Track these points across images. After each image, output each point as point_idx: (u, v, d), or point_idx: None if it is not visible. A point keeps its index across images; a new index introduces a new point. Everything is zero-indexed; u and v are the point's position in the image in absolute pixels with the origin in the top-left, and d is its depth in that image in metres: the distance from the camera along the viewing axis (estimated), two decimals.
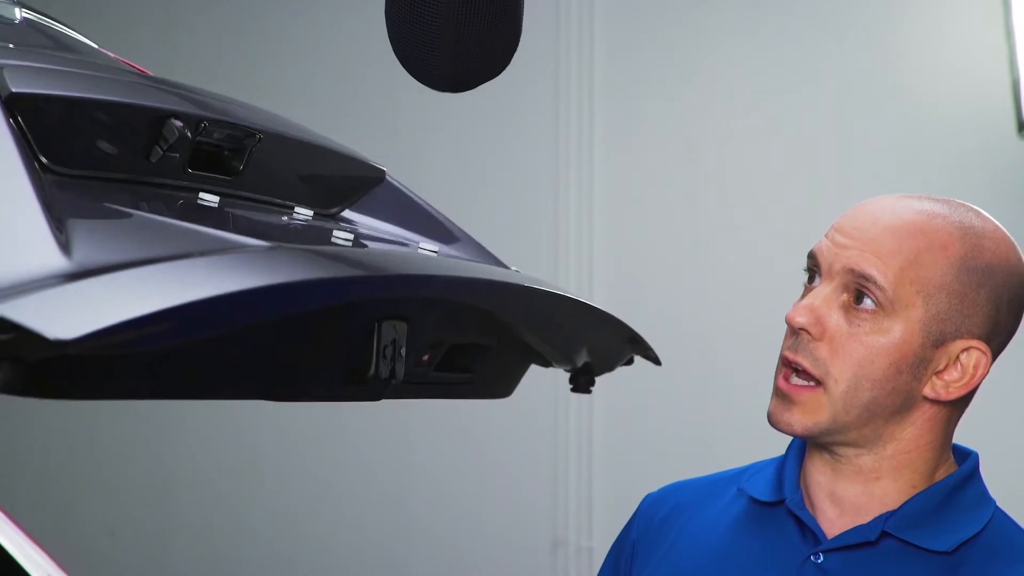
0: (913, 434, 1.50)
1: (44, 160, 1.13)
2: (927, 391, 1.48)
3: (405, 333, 1.34)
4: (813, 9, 3.48)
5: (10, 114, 1.07)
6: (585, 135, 3.66)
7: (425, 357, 1.49)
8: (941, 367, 1.47)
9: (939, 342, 1.47)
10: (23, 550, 1.85)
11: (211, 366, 1.15)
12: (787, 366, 1.48)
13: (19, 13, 1.43)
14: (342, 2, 3.90)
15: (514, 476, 3.69)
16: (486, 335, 1.57)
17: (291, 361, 1.24)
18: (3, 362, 0.86)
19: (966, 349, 1.48)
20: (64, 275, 0.91)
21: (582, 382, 1.79)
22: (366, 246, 1.38)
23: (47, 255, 0.93)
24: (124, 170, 1.23)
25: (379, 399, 1.44)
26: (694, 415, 3.58)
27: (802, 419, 1.47)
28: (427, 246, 1.45)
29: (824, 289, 1.47)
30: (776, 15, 3.50)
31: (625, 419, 3.63)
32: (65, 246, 0.95)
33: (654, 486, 1.76)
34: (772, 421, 1.49)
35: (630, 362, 1.85)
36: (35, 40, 1.40)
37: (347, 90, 3.67)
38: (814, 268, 1.50)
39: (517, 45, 1.39)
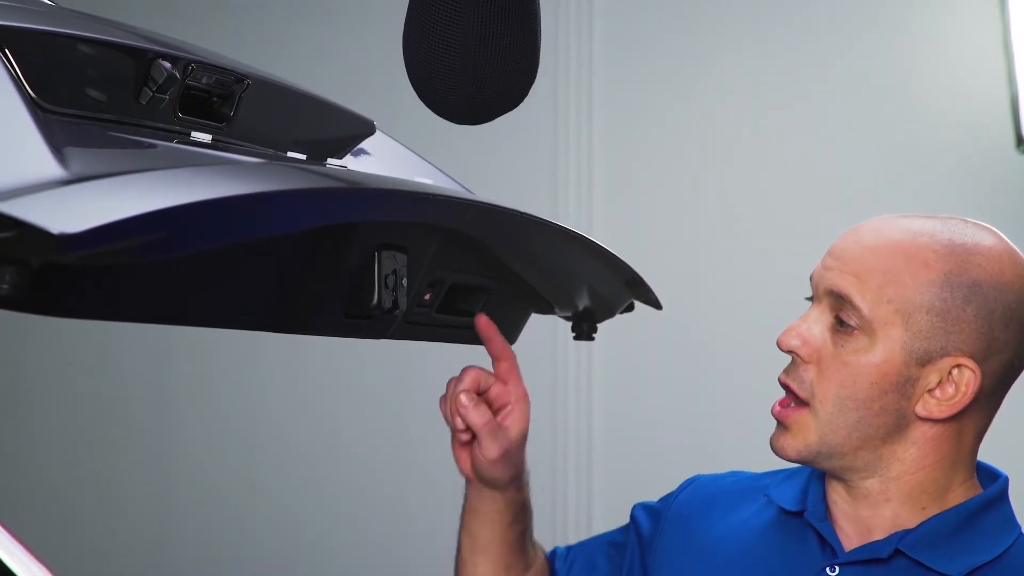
0: (916, 455, 1.48)
1: (34, 96, 1.11)
2: (919, 410, 1.45)
3: (405, 264, 1.33)
4: (814, 19, 3.46)
5: None
6: (584, 138, 3.65)
7: (427, 296, 1.48)
8: (933, 385, 1.44)
9: (924, 360, 1.44)
10: (18, 559, 1.83)
11: (212, 291, 1.14)
12: (782, 388, 1.49)
13: None
14: (345, 11, 3.91)
15: None
16: (486, 275, 1.56)
17: (292, 290, 1.23)
18: (8, 265, 0.84)
19: (956, 366, 1.44)
20: (64, 181, 0.90)
21: (584, 329, 1.78)
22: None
23: (45, 165, 0.92)
24: (114, 112, 1.22)
25: (383, 336, 1.43)
26: (695, 420, 3.57)
27: (793, 443, 1.48)
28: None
29: (813, 312, 1.48)
30: (777, 24, 3.48)
31: (624, 425, 3.62)
32: (63, 160, 0.94)
33: (653, 491, 1.75)
34: (772, 448, 1.51)
35: (631, 308, 1.84)
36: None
37: (345, 89, 3.67)
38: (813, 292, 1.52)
39: (534, 78, 1.39)
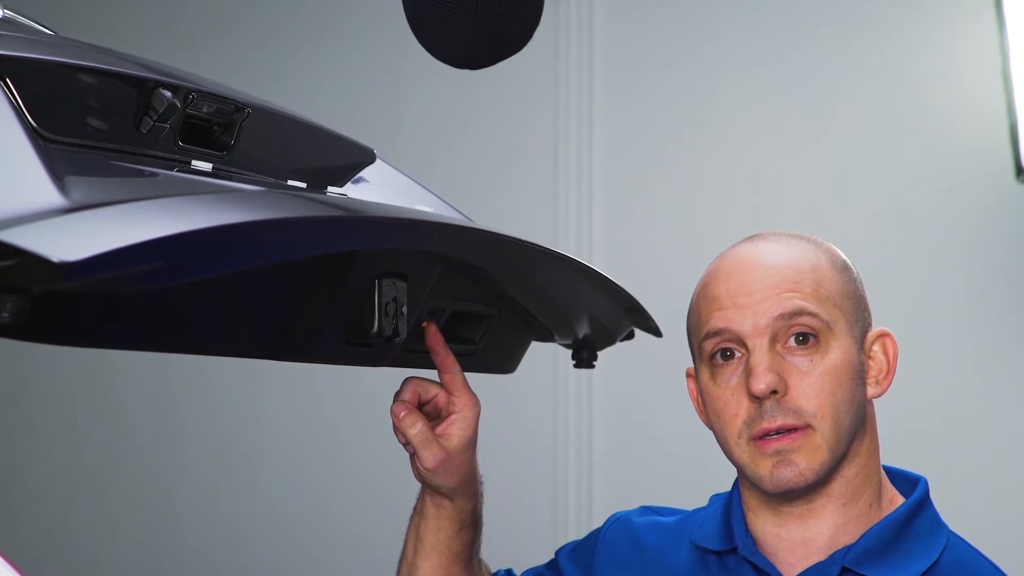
0: (867, 445, 1.52)
1: (35, 125, 1.12)
2: (870, 392, 1.51)
3: (405, 291, 1.33)
4: (814, 49, 3.45)
5: None
6: (584, 166, 3.65)
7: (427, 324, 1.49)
8: (866, 364, 1.52)
9: (860, 342, 1.50)
10: None
11: (213, 319, 1.13)
12: (765, 436, 1.46)
13: (1, 11, 1.44)
14: (345, 40, 3.92)
15: (514, 483, 3.65)
16: (487, 303, 1.57)
17: (293, 317, 1.23)
18: (8, 294, 0.84)
19: (875, 340, 1.53)
20: (65, 209, 0.90)
21: (584, 357, 1.78)
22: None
23: (46, 193, 0.92)
24: (116, 140, 1.22)
25: (383, 363, 1.44)
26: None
27: (810, 463, 1.46)
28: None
29: (756, 351, 1.47)
30: (777, 51, 3.47)
31: (625, 426, 3.61)
32: (63, 188, 0.94)
33: (654, 493, 1.75)
34: (776, 484, 1.46)
35: (631, 336, 1.84)
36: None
37: (346, 118, 3.68)
38: (727, 343, 1.50)
39: (539, 20, 1.36)
